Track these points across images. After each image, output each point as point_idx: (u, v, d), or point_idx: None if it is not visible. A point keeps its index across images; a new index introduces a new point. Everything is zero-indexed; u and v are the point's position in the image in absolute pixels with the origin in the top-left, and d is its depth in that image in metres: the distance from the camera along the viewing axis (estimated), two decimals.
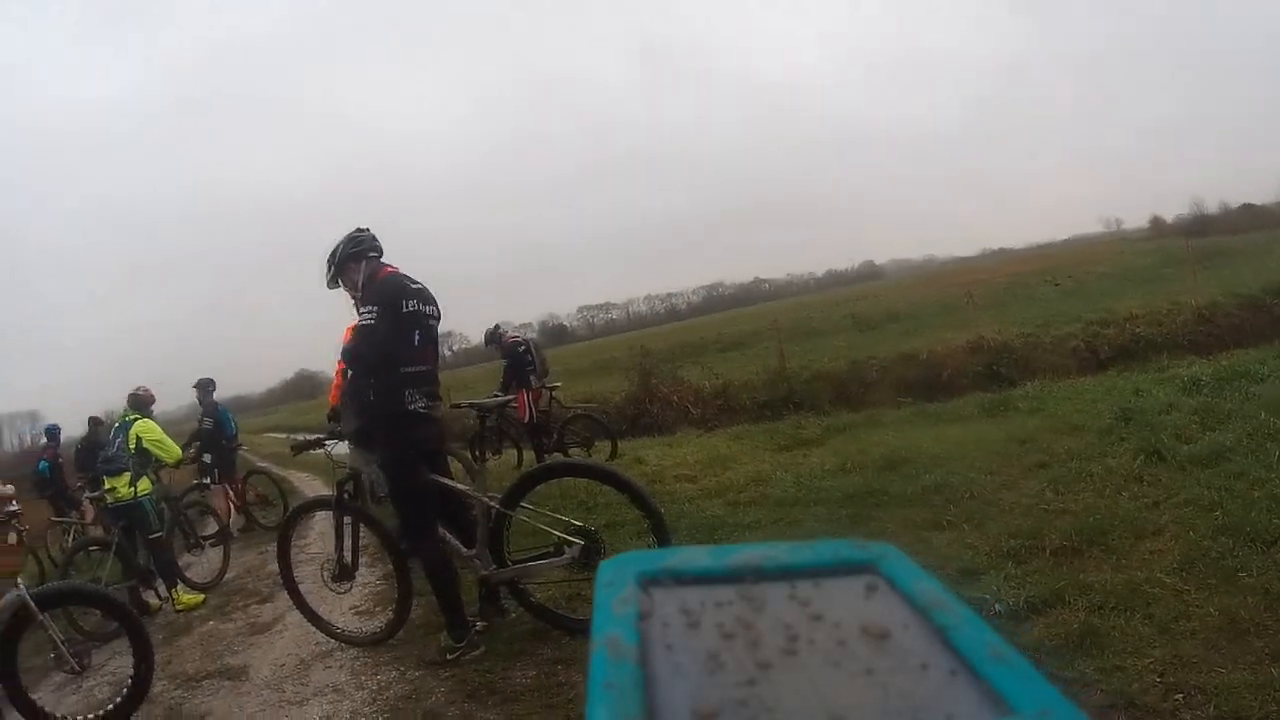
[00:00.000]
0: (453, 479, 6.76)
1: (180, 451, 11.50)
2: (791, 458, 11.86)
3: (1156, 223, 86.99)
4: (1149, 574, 5.12)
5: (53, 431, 17.66)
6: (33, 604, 6.29)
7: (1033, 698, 0.56)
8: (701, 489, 10.56)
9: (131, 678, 6.36)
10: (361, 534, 7.16)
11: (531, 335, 17.75)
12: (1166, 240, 62.43)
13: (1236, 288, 25.54)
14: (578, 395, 17.54)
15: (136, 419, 10.71)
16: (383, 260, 6.46)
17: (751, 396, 21.85)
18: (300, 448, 7.59)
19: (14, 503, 7.29)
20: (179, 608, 9.80)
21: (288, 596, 7.40)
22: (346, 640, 6.97)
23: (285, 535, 7.48)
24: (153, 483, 10.68)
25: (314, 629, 7.19)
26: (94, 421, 15.62)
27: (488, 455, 14.08)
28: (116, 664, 7.26)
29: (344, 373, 7.69)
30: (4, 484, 7.86)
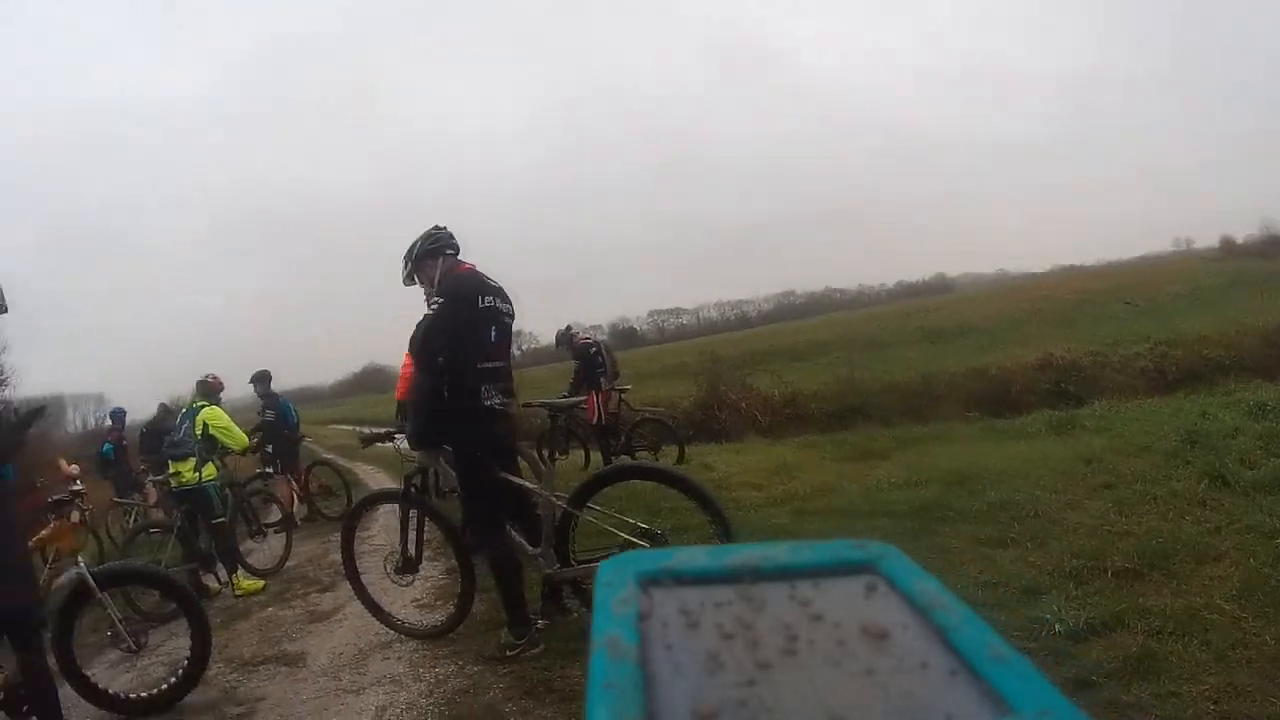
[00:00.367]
0: (521, 477, 6.78)
1: (246, 439, 11.59)
2: (858, 469, 11.83)
3: (1226, 243, 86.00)
4: (1208, 600, 5.06)
5: (118, 415, 17.74)
6: (92, 582, 6.31)
7: (1033, 698, 0.56)
8: (767, 497, 10.52)
9: (187, 659, 6.42)
10: (427, 528, 7.16)
11: (602, 337, 17.67)
12: (1236, 261, 61.72)
13: None
14: (646, 399, 17.48)
15: (204, 406, 10.83)
16: (459, 258, 6.48)
17: (820, 406, 21.79)
18: (369, 440, 7.62)
19: (79, 482, 7.38)
20: (238, 593, 9.86)
21: (349, 586, 7.41)
22: (406, 632, 6.97)
23: (350, 525, 7.47)
24: (218, 469, 10.77)
25: (374, 620, 7.19)
26: (162, 408, 15.77)
27: (556, 455, 14.12)
28: (172, 645, 7.27)
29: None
30: (69, 464, 7.98)
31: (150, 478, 13.56)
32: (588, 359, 15.78)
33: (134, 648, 6.72)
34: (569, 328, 16.70)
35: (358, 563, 7.40)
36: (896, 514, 8.37)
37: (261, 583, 10.26)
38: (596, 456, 15.57)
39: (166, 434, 12.16)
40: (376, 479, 18.33)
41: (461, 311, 6.02)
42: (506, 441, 6.58)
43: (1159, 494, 7.50)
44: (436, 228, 6.54)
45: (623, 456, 14.69)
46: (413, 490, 6.97)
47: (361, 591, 7.28)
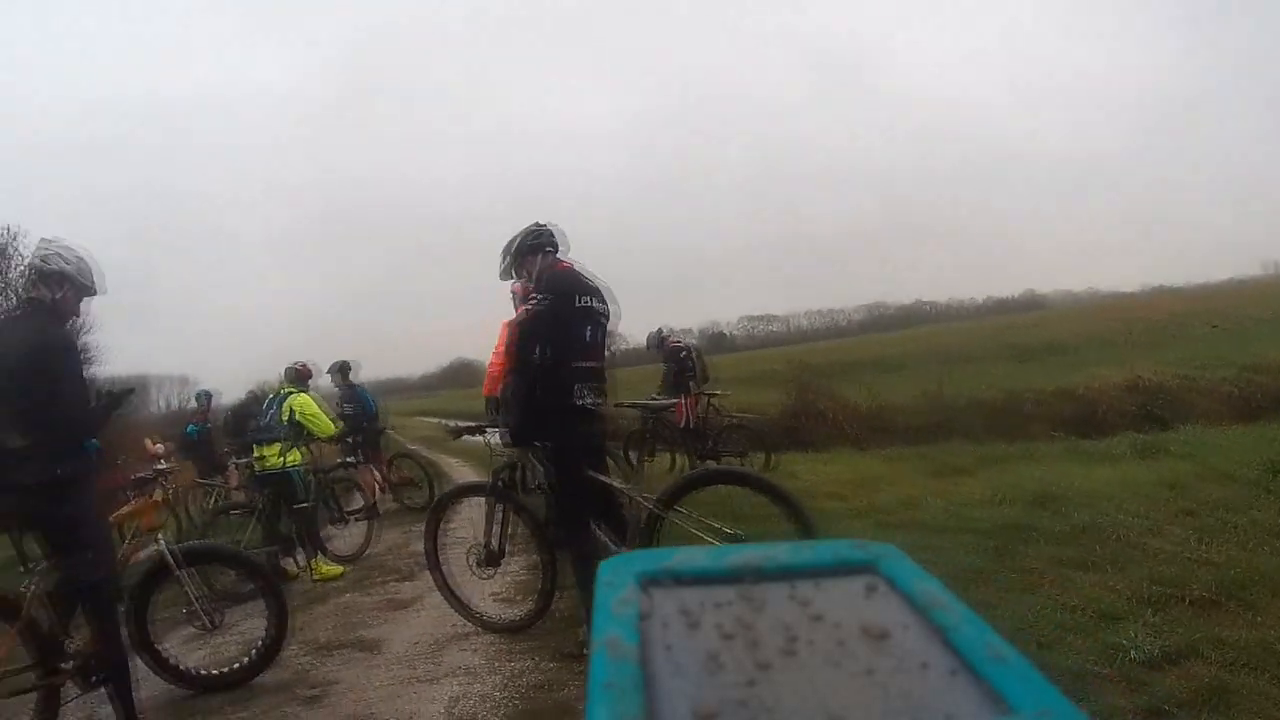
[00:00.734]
0: (610, 476, 6.78)
1: (333, 427, 11.63)
2: (943, 484, 11.69)
3: None
4: None
5: (206, 397, 18.01)
6: (172, 559, 6.38)
7: (1033, 698, 0.57)
8: (852, 508, 10.45)
9: (263, 639, 6.54)
10: (512, 523, 7.11)
11: (693, 341, 17.60)
12: None
13: None
14: (733, 404, 17.38)
15: (294, 392, 10.95)
16: (559, 256, 6.51)
17: (907, 419, 21.61)
18: (459, 433, 7.68)
19: (165, 461, 7.49)
20: (318, 577, 9.94)
21: (430, 576, 7.43)
22: (485, 625, 6.99)
23: (436, 516, 7.48)
24: (304, 455, 10.89)
25: (453, 611, 7.20)
26: (250, 393, 15.91)
27: (645, 457, 14.13)
28: (247, 625, 7.33)
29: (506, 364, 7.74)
30: (156, 444, 8.12)
31: (234, 460, 13.75)
32: (678, 362, 15.79)
33: (210, 625, 6.75)
34: (661, 330, 16.65)
35: (440, 554, 7.41)
36: (980, 531, 8.25)
37: (341, 569, 10.32)
38: (683, 460, 15.31)
39: (252, 418, 12.27)
40: (461, 472, 18.40)
41: (558, 310, 6.01)
42: (597, 441, 6.63)
43: (1240, 523, 7.42)
44: (539, 224, 6.57)
45: (710, 461, 14.57)
46: (501, 485, 6.98)
47: (442, 582, 7.29)
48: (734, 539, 5.81)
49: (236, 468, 13.17)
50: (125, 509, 6.56)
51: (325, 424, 11.13)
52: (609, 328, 6.44)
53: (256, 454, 10.57)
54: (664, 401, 11.31)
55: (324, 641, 7.33)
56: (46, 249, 5.54)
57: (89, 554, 5.31)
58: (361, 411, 14.69)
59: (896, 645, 0.64)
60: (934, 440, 18.02)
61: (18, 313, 5.83)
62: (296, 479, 10.44)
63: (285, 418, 10.60)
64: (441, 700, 5.61)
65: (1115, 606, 5.78)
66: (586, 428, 6.24)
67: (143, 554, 6.38)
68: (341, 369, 15.00)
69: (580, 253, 6.60)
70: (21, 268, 23.57)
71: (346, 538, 11.60)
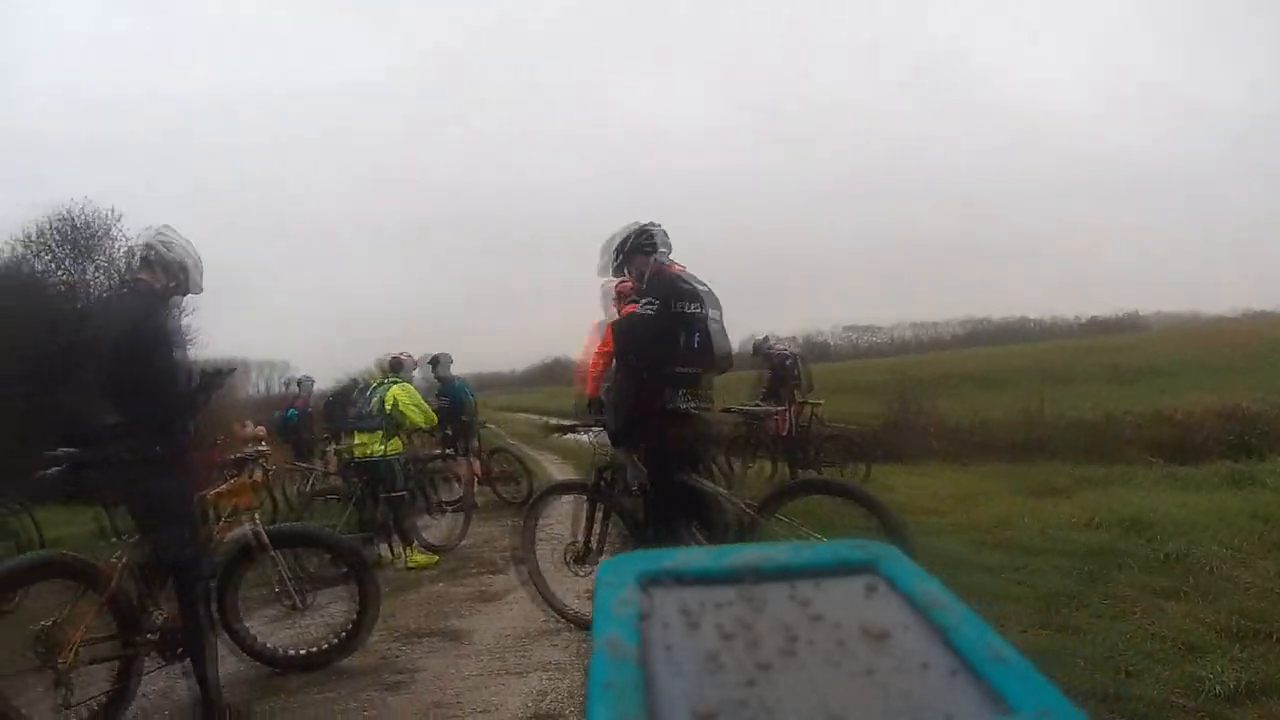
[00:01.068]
0: (713, 481, 6.84)
1: (434, 417, 11.75)
2: (1039, 504, 11.67)
3: None
4: None
5: (305, 382, 18.21)
6: (266, 539, 6.46)
7: (1033, 698, 0.58)
8: (948, 524, 10.48)
9: (352, 623, 6.58)
10: (610, 522, 7.17)
11: (796, 349, 17.43)
12: None
13: None
14: (832, 414, 17.22)
15: (395, 382, 11.00)
16: (669, 258, 6.54)
17: (1005, 436, 21.33)
18: (560, 430, 7.73)
19: (263, 443, 7.61)
20: (410, 566, 9.99)
21: (520, 570, 7.41)
22: (576, 622, 6.94)
23: (532, 511, 7.51)
24: (403, 444, 10.99)
25: (544, 606, 7.18)
26: (351, 381, 16.09)
27: (747, 463, 14.09)
28: (334, 609, 7.27)
29: (606, 366, 7.74)
30: (256, 426, 8.26)
31: (331, 446, 13.95)
32: (783, 370, 15.68)
33: (299, 606, 6.82)
34: (766, 338, 16.45)
35: (534, 549, 7.40)
36: (1073, 554, 8.21)
37: (434, 558, 10.35)
38: (781, 468, 15.21)
39: (351, 405, 12.41)
40: (556, 469, 18.37)
41: (663, 315, 6.10)
42: (697, 445, 6.67)
43: None
44: (650, 224, 6.61)
45: (809, 470, 14.41)
46: (601, 484, 7.00)
47: (535, 576, 7.26)
48: None
49: (333, 453, 13.34)
50: (221, 488, 6.60)
51: (423, 414, 11.20)
52: (714, 332, 6.41)
53: (355, 441, 10.73)
54: (766, 409, 11.25)
55: (411, 629, 7.39)
56: (168, 237, 5.64)
57: (179, 531, 5.36)
58: (457, 404, 14.56)
59: (896, 645, 0.66)
60: (1031, 459, 17.83)
61: (123, 290, 5.88)
62: (395, 467, 10.52)
63: (387, 406, 10.66)
64: (527, 694, 5.63)
65: (1201, 638, 5.74)
66: (685, 432, 6.29)
67: (235, 533, 6.43)
68: (438, 361, 14.83)
69: (678, 254, 6.63)
70: (126, 248, 23.93)
71: (440, 528, 11.64)
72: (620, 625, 0.68)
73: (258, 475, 6.99)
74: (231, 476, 6.69)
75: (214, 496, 6.42)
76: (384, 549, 10.37)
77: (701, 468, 6.70)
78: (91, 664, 5.44)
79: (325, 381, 18.18)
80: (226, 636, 6.20)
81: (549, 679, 5.88)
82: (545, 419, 31.89)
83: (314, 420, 16.94)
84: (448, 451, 13.59)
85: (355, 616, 6.62)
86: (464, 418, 14.47)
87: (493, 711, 5.43)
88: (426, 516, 11.77)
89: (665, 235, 6.58)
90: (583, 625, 6.89)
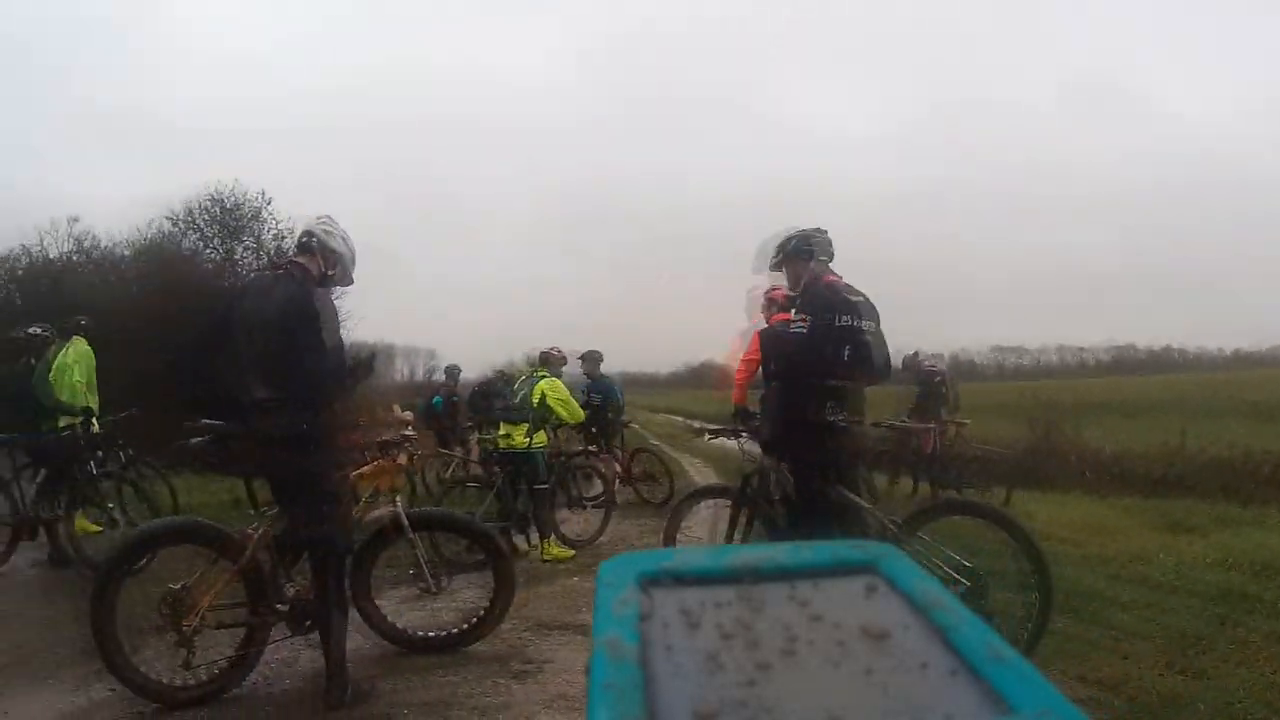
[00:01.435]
0: (858, 494, 6.79)
1: (583, 414, 11.86)
2: (1175, 540, 11.49)
3: None
4: None
5: (453, 371, 18.75)
6: (406, 521, 6.55)
7: (1032, 698, 0.58)
8: (1083, 555, 10.27)
9: (484, 609, 6.62)
10: (752, 529, 7.07)
11: (945, 367, 17.24)
12: None
13: None
14: (975, 434, 17.00)
15: (545, 376, 11.05)
16: (830, 266, 6.50)
17: (1144, 470, 20.87)
18: (711, 434, 7.73)
19: (410, 428, 7.73)
20: (546, 558, 10.05)
21: None
22: None
23: (677, 512, 7.59)
24: (549, 438, 11.08)
25: None
26: (499, 372, 16.22)
27: (894, 478, 14.00)
28: (468, 594, 7.44)
29: (757, 374, 7.72)
30: (404, 411, 8.38)
31: (475, 435, 14.22)
32: (931, 388, 15.62)
33: (434, 589, 6.92)
34: (916, 354, 16.33)
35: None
36: (1204, 595, 8.10)
37: (571, 552, 10.41)
38: (924, 486, 15.07)
39: (498, 396, 12.66)
40: (703, 472, 18.29)
41: (815, 330, 6.09)
42: (845, 458, 6.64)
43: None
44: (817, 230, 6.56)
45: (950, 490, 14.11)
46: (748, 490, 6.99)
47: None
48: (971, 574, 5.87)
49: (477, 442, 13.55)
50: (366, 468, 6.70)
51: (573, 410, 11.26)
52: (871, 343, 6.35)
53: (502, 431, 10.77)
54: (916, 426, 11.15)
55: (544, 620, 7.40)
56: (333, 226, 5.86)
57: (322, 508, 5.49)
58: (607, 402, 14.73)
59: (896, 645, 0.66)
60: (1168, 493, 17.45)
61: (280, 272, 5.96)
62: (540, 460, 10.56)
63: (535, 400, 10.71)
64: None
65: None
66: (834, 444, 6.28)
67: (376, 514, 6.54)
68: (593, 358, 15.06)
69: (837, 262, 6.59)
70: (274, 230, 24.34)
71: (580, 523, 11.71)
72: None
73: (403, 459, 7.04)
74: (377, 458, 6.80)
75: (358, 477, 6.53)
76: (521, 540, 10.45)
77: (848, 481, 6.63)
78: (218, 629, 5.63)
79: (471, 371, 18.32)
80: (356, 614, 6.30)
81: None
82: (688, 421, 31.84)
83: (459, 409, 17.17)
84: (592, 448, 13.65)
85: (488, 604, 6.64)
86: (611, 415, 14.63)
87: None
88: (566, 511, 11.86)
89: (827, 243, 6.52)
90: None
